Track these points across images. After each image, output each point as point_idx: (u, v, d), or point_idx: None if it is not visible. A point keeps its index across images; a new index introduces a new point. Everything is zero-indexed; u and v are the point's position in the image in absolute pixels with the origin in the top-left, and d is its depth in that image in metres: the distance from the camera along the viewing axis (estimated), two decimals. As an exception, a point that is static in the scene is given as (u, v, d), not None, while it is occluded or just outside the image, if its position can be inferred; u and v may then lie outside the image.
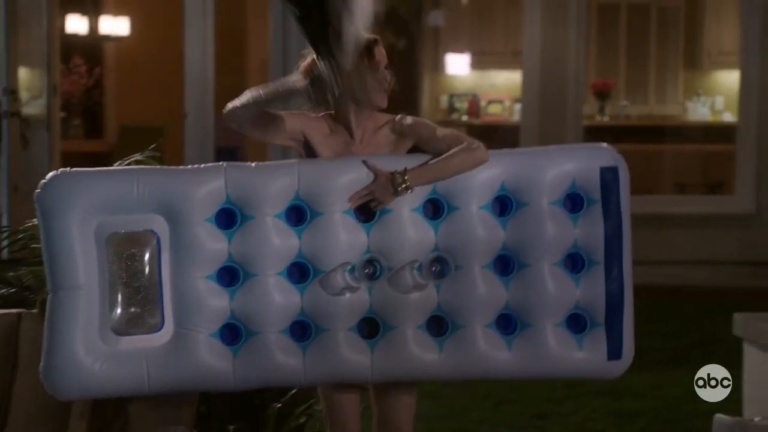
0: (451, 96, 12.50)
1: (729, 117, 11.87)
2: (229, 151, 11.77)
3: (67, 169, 3.55)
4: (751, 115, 10.81)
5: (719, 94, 12.22)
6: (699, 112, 12.23)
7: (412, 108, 11.35)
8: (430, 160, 3.59)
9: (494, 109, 12.30)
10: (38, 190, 3.51)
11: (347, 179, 3.58)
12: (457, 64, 12.62)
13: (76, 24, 12.30)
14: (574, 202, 3.74)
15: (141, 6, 13.38)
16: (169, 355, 3.52)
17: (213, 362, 3.53)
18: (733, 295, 9.14)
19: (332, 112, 3.64)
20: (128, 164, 4.63)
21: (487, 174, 3.65)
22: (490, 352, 3.65)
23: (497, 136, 11.77)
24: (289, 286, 3.57)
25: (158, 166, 3.74)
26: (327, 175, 3.59)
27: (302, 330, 3.58)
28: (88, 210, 3.49)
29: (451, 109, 12.50)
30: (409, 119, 3.68)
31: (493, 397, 6.23)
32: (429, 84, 12.63)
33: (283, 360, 3.55)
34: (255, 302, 3.54)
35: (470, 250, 3.63)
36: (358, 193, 3.57)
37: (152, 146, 4.84)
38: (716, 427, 4.96)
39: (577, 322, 3.75)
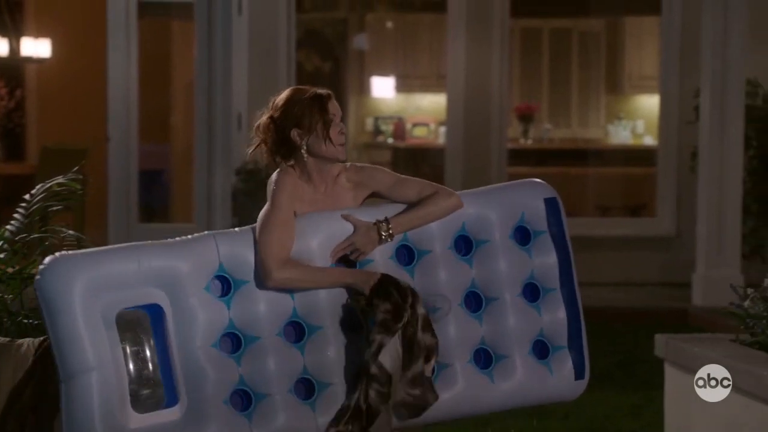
0: (377, 119, 12.55)
1: (650, 140, 12.04)
2: (152, 174, 11.70)
3: (65, 252, 3.60)
4: (671, 139, 10.98)
5: (640, 117, 12.40)
6: (620, 135, 12.39)
7: (338, 131, 11.37)
8: (407, 208, 3.76)
9: (419, 131, 12.37)
10: (38, 277, 3.52)
11: (323, 234, 3.70)
12: (383, 87, 12.68)
13: (-4, 45, 12.17)
14: (522, 235, 3.93)
15: (63, 28, 13.26)
16: (186, 428, 3.54)
17: (228, 430, 3.57)
18: (654, 316, 9.25)
19: (292, 166, 3.76)
20: (50, 187, 4.59)
21: (449, 216, 3.82)
22: (474, 388, 3.80)
23: (423, 158, 11.84)
24: (288, 346, 3.65)
25: (150, 242, 3.67)
26: (306, 231, 3.70)
27: (307, 388, 3.67)
28: (90, 291, 3.49)
29: (377, 131, 12.55)
30: (361, 166, 3.84)
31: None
32: (355, 106, 12.67)
33: (295, 419, 3.62)
34: (259, 365, 3.61)
35: (443, 290, 3.78)
36: (339, 246, 3.70)
37: (75, 169, 4.80)
38: (639, 447, 5.02)
39: (543, 349, 3.92)
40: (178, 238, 3.65)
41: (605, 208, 11.86)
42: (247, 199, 10.21)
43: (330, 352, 3.68)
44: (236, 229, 3.71)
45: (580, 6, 12.13)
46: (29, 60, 12.53)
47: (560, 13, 12.37)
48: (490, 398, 3.84)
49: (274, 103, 3.82)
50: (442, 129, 11.75)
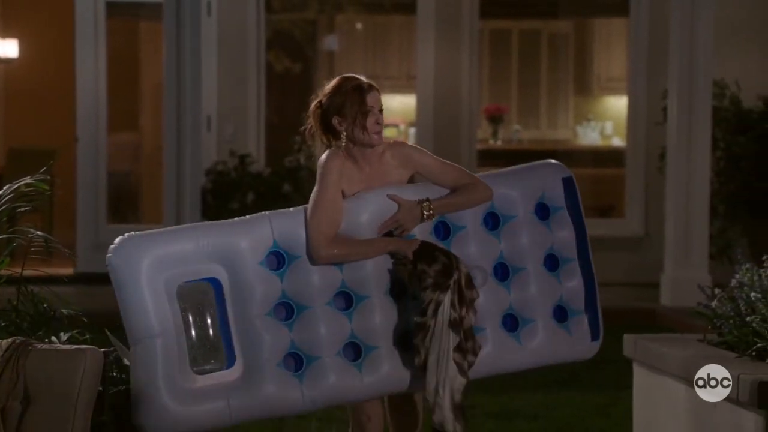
0: (346, 120, 12.54)
1: (618, 142, 12.09)
2: (121, 174, 11.66)
3: (133, 233, 3.97)
4: (639, 140, 11.03)
5: (609, 119, 12.44)
6: (589, 136, 12.43)
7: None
8: (448, 193, 4.13)
9: (389, 132, 12.37)
10: (109, 254, 3.93)
11: (370, 211, 4.08)
12: (352, 89, 12.66)
13: (-37, 46, 12.10)
14: (543, 211, 4.32)
15: (31, 28, 13.20)
16: (244, 387, 3.92)
17: (283, 391, 3.96)
18: (622, 317, 9.27)
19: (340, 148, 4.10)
20: (18, 188, 4.56)
21: None
22: (503, 350, 4.17)
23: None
24: (337, 313, 4.03)
25: (210, 222, 4.09)
26: (355, 210, 4.07)
27: (354, 351, 4.05)
28: (155, 267, 3.88)
29: (346, 133, 12.53)
30: (402, 145, 4.20)
31: (386, 421, 6.23)
32: (324, 108, 12.64)
33: (343, 379, 4.00)
34: (310, 331, 3.98)
35: (476, 262, 4.15)
36: (385, 223, 4.06)
37: (43, 170, 4.77)
38: (607, 447, 5.04)
39: (562, 313, 4.31)
40: (236, 219, 4.04)
41: (574, 208, 11.87)
42: (216, 200, 10.20)
43: (376, 319, 4.04)
44: (290, 209, 4.06)
45: (548, 8, 12.16)
46: (-4, 60, 12.47)
47: (529, 14, 12.40)
48: (518, 358, 4.22)
49: (323, 89, 4.15)
50: (412, 130, 11.76)
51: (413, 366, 4.04)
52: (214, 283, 3.97)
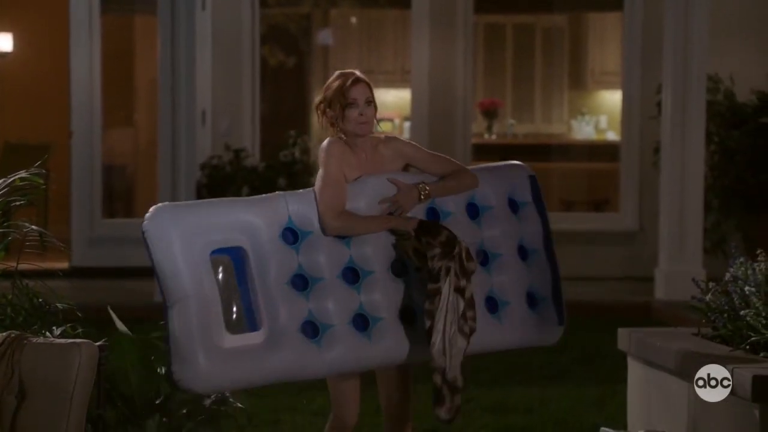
0: (341, 114, 12.53)
1: (613, 136, 12.10)
2: (116, 168, 11.65)
3: (167, 203, 4.31)
4: (633, 134, 11.05)
5: (603, 113, 12.45)
6: (584, 130, 12.44)
7: (302, 126, 11.37)
8: (438, 179, 4.45)
9: (384, 127, 12.34)
10: (144, 222, 4.17)
11: (374, 194, 4.39)
12: (347, 83, 12.66)
13: (-42, 40, 12.09)
14: (512, 205, 4.65)
15: (25, 23, 13.18)
16: (268, 351, 4.17)
17: (305, 354, 4.21)
18: (617, 311, 9.31)
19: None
20: (12, 182, 4.57)
21: None
22: (485, 330, 4.42)
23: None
24: (346, 286, 4.31)
25: (235, 198, 4.42)
26: (356, 194, 4.38)
27: (363, 322, 4.31)
28: (186, 234, 4.16)
29: (341, 127, 12.52)
30: (392, 139, 4.51)
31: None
32: (318, 102, 12.64)
33: (357, 346, 4.27)
34: (323, 301, 4.27)
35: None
36: (384, 203, 4.38)
37: (37, 164, 4.77)
38: (602, 440, 5.05)
39: (533, 299, 4.61)
40: (256, 196, 4.40)
41: (569, 203, 11.91)
42: (211, 194, 10.19)
43: (380, 292, 4.33)
44: (301, 190, 4.39)
45: (543, 2, 12.17)
46: (-9, 54, 12.45)
47: (523, 9, 12.41)
48: (498, 338, 4.51)
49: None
50: (407, 124, 11.76)
51: (413, 337, 4.33)
52: (241, 251, 4.24)
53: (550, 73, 12.52)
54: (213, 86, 10.97)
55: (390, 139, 4.50)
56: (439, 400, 4.33)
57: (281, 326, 4.20)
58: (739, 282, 4.77)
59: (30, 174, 4.60)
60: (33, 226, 4.70)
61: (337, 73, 4.48)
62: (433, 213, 4.49)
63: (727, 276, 4.87)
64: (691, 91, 9.34)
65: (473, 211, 4.58)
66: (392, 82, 12.55)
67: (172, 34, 9.74)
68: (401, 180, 4.41)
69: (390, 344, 4.33)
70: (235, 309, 4.20)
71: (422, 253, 4.29)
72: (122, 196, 11.84)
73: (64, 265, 9.80)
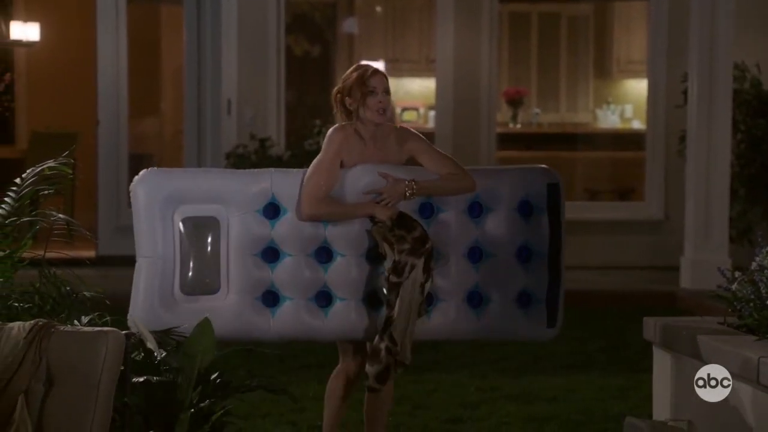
0: (366, 103, 12.54)
1: (638, 124, 12.06)
2: (142, 158, 11.70)
3: (156, 168, 4.69)
4: (659, 123, 11.01)
5: (628, 102, 12.41)
6: (609, 119, 12.41)
7: (327, 115, 11.38)
8: (433, 177, 4.67)
9: (409, 116, 12.38)
10: (133, 183, 4.63)
11: (363, 183, 4.65)
12: (372, 72, 12.66)
13: (-15, 29, 12.14)
14: (525, 208, 4.83)
15: (52, 12, 13.23)
16: (224, 311, 4.58)
17: (257, 320, 4.61)
18: (641, 300, 9.29)
19: (350, 124, 4.72)
20: (40, 171, 4.60)
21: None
22: (462, 320, 4.77)
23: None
24: (315, 264, 4.65)
25: (223, 169, 4.91)
26: (350, 181, 4.66)
27: (325, 299, 4.67)
28: (169, 199, 4.58)
29: (366, 116, 12.52)
30: (406, 130, 4.79)
31: (407, 403, 6.27)
32: (343, 91, 12.64)
33: (309, 321, 4.64)
34: (289, 276, 4.63)
35: (450, 242, 4.74)
36: (371, 193, 4.63)
37: (65, 153, 4.80)
38: (627, 430, 5.05)
39: (525, 299, 4.83)
40: (246, 170, 4.76)
41: (594, 192, 11.89)
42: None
43: (350, 275, 4.65)
44: (293, 169, 4.72)
45: (568, -10, 12.15)
46: (18, 44, 12.50)
47: (549, -3, 12.39)
48: (474, 329, 4.81)
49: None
50: (432, 113, 11.76)
51: (373, 319, 4.67)
52: (216, 220, 4.62)
53: (576, 61, 12.50)
54: (238, 75, 11.00)
55: (403, 131, 4.77)
56: (383, 378, 4.63)
57: (243, 292, 4.60)
58: (766, 271, 4.75)
59: (57, 163, 4.63)
60: (60, 215, 4.73)
61: (355, 66, 4.76)
62: (429, 208, 4.71)
63: (753, 265, 4.85)
64: (718, 79, 9.30)
65: (476, 209, 4.79)
66: (417, 71, 12.55)
67: (197, 23, 9.78)
68: (392, 174, 4.63)
69: (346, 324, 4.66)
70: (197, 273, 4.60)
71: (390, 243, 4.56)
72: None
73: (90, 253, 9.86)
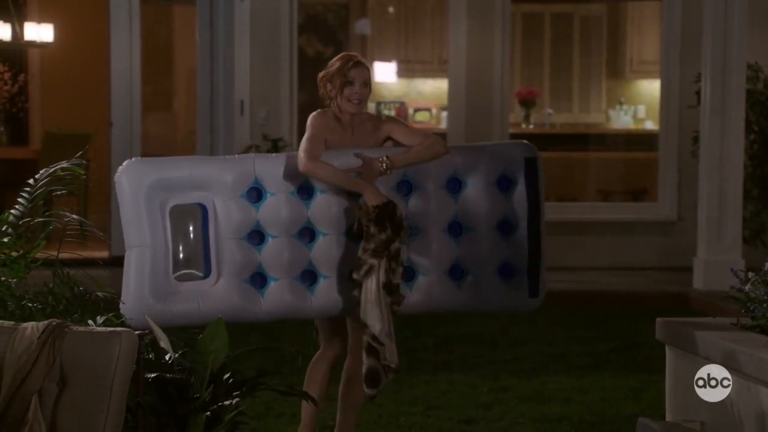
0: (379, 103, 12.55)
1: (651, 125, 12.04)
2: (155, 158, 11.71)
3: (139, 157, 4.79)
4: (672, 124, 10.99)
5: (641, 102, 12.39)
6: (621, 120, 12.39)
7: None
8: (407, 149, 4.87)
9: (421, 116, 12.38)
10: (117, 174, 4.69)
11: (339, 164, 4.76)
12: (385, 72, 12.68)
13: (-1, 30, 12.17)
14: (504, 183, 4.97)
15: (66, 13, 13.27)
16: (214, 295, 4.68)
17: (247, 301, 4.72)
18: (655, 301, 9.28)
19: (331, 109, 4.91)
20: (54, 172, 4.61)
21: (444, 162, 4.91)
22: (445, 294, 4.91)
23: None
24: (300, 244, 4.77)
25: (204, 156, 4.91)
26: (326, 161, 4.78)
27: (310, 277, 4.81)
28: (154, 187, 4.64)
29: (378, 116, 12.54)
30: (380, 116, 5.11)
31: (420, 403, 6.28)
32: (356, 92, 12.63)
33: (296, 300, 4.77)
34: (275, 257, 4.74)
35: (430, 217, 4.90)
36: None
37: (78, 154, 4.82)
38: (640, 431, 5.05)
39: (506, 271, 4.99)
40: (227, 156, 4.87)
41: (606, 192, 11.87)
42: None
43: (332, 253, 4.79)
44: (273, 154, 5.01)
45: (581, -9, 12.14)
46: (32, 45, 12.54)
47: (562, -3, 12.38)
48: (454, 302, 4.95)
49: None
50: (444, 114, 11.76)
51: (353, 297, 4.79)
52: (202, 207, 4.71)
53: (588, 62, 12.48)
54: (251, 76, 11.01)
55: (378, 116, 5.10)
56: (375, 383, 4.72)
57: (231, 275, 4.70)
58: (778, 272, 4.75)
59: (71, 164, 4.64)
60: (73, 216, 4.75)
61: (342, 54, 4.96)
62: (406, 185, 4.88)
63: (767, 266, 4.85)
64: (731, 80, 9.28)
65: (454, 185, 4.94)
66: (430, 72, 12.55)
67: (210, 23, 9.80)
68: (366, 154, 4.81)
69: (331, 300, 4.79)
70: (186, 259, 4.70)
71: (363, 229, 4.71)
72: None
73: (104, 254, 9.86)
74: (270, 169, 4.78)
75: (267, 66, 11.01)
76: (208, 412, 4.29)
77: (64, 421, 3.76)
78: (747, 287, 4.88)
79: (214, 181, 4.72)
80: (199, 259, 4.71)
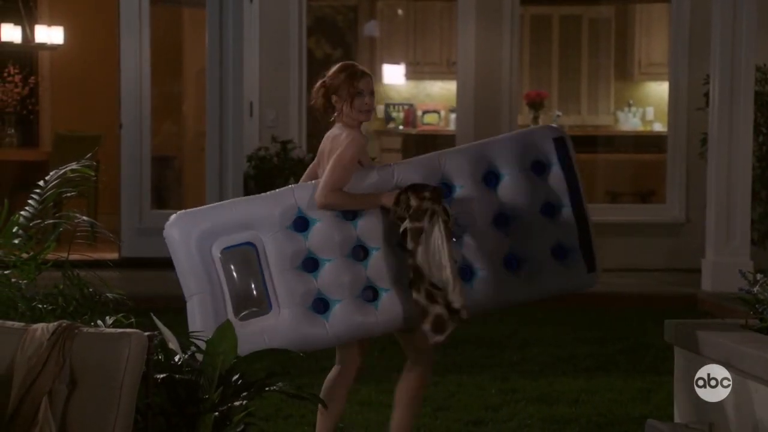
0: (388, 105, 12.57)
1: (659, 127, 12.04)
2: (164, 160, 11.75)
3: (186, 210, 4.87)
4: (680, 125, 10.99)
5: (649, 104, 12.40)
6: (630, 122, 12.39)
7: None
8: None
9: (430, 118, 12.39)
10: (166, 228, 4.81)
11: (368, 183, 4.86)
12: (393, 74, 12.70)
13: (10, 32, 12.21)
14: (539, 167, 5.03)
15: (76, 15, 13.30)
16: (279, 328, 4.75)
17: (313, 328, 4.78)
18: (663, 302, 9.28)
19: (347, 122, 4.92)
20: (64, 173, 4.63)
21: (477, 157, 4.98)
22: (505, 286, 4.91)
23: (433, 145, 11.87)
24: (354, 263, 4.82)
25: (246, 197, 4.94)
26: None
27: (372, 293, 4.85)
28: (204, 236, 4.77)
29: (388, 118, 12.58)
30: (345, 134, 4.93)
31: (429, 404, 6.29)
32: (365, 94, 12.64)
33: (362, 318, 4.81)
34: (333, 279, 4.80)
35: (474, 214, 4.93)
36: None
37: (88, 155, 4.83)
38: (647, 432, 5.05)
39: (560, 252, 5.00)
40: (268, 193, 4.90)
41: (615, 194, 11.87)
42: (258, 185, 10.26)
43: (388, 265, 4.82)
44: (311, 182, 4.88)
45: (590, -7, 12.14)
46: (43, 47, 12.58)
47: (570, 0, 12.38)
48: (519, 292, 4.96)
49: (328, 72, 4.92)
50: (453, 116, 11.77)
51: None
52: (252, 246, 4.80)
53: (597, 64, 12.48)
54: (260, 78, 11.03)
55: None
56: (439, 329, 4.70)
57: (292, 305, 4.76)
58: (787, 274, 4.75)
59: (81, 165, 4.66)
60: (83, 217, 4.76)
61: (340, 64, 4.93)
62: (444, 188, 4.90)
63: (774, 267, 4.85)
64: (740, 82, 9.28)
65: (492, 178, 4.99)
66: (438, 74, 12.56)
67: (220, 25, 9.82)
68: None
69: (395, 313, 4.81)
70: (249, 297, 4.78)
71: (404, 218, 4.69)
72: (171, 187, 11.94)
73: (113, 255, 9.90)
74: (310, 196, 4.85)
75: (276, 68, 11.03)
76: (217, 413, 4.30)
77: (74, 422, 3.77)
78: (755, 289, 4.89)
79: (260, 218, 4.82)
80: (259, 296, 4.81)
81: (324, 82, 4.91)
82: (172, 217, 4.85)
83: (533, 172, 5.03)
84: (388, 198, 4.78)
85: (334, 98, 4.89)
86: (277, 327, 4.76)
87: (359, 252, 4.85)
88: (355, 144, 4.81)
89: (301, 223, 4.84)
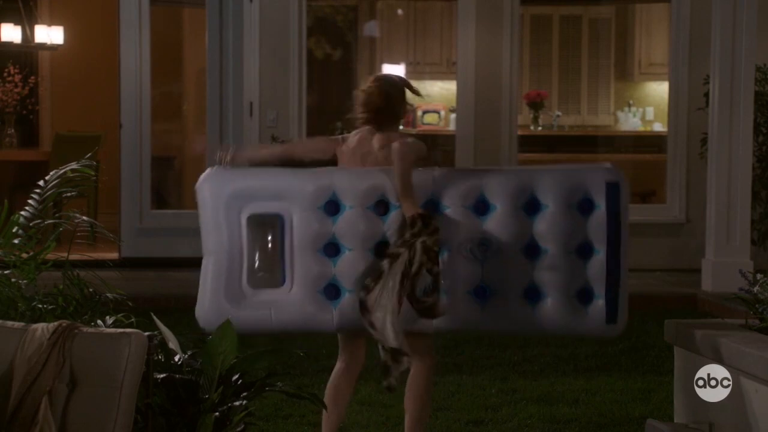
0: (387, 105, 12.55)
1: (659, 127, 12.04)
2: (165, 160, 11.74)
3: (218, 166, 4.85)
4: (681, 126, 10.99)
5: (649, 104, 12.39)
6: (630, 122, 12.39)
7: (348, 118, 11.40)
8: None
9: (430, 118, 12.39)
10: (199, 181, 4.84)
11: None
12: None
13: (10, 32, 12.20)
14: (585, 205, 4.94)
15: (76, 15, 13.30)
16: (287, 304, 4.79)
17: (319, 312, 4.80)
18: (662, 302, 9.28)
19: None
20: (64, 173, 4.63)
21: (522, 183, 4.93)
22: (520, 315, 4.89)
23: (433, 145, 11.88)
24: (376, 258, 4.78)
25: (285, 168, 4.95)
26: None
27: None
28: (234, 197, 4.80)
29: (387, 118, 12.54)
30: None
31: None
32: (365, 94, 12.64)
33: None
34: (350, 269, 4.80)
35: (506, 238, 4.89)
36: None
37: (88, 155, 4.84)
38: (647, 432, 5.05)
39: (584, 295, 4.91)
40: (307, 169, 4.89)
41: (615, 194, 11.84)
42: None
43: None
44: (352, 169, 4.89)
45: (590, -7, 12.14)
46: (43, 47, 12.57)
47: (570, -1, 12.39)
48: (528, 324, 4.95)
49: (383, 79, 5.14)
50: (453, 116, 11.76)
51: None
52: (279, 217, 4.81)
53: (597, 64, 12.49)
54: (260, 78, 11.03)
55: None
56: (385, 373, 4.72)
57: (306, 285, 4.80)
58: (787, 274, 4.75)
59: (81, 165, 4.66)
60: (83, 217, 4.77)
61: (396, 76, 5.24)
62: (484, 205, 4.89)
63: (774, 267, 4.85)
64: (740, 82, 9.28)
65: (533, 207, 4.92)
66: (438, 74, 12.56)
67: (220, 25, 9.82)
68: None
69: (406, 312, 4.74)
70: (261, 267, 4.82)
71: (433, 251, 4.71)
72: (171, 187, 11.94)
73: (113, 255, 9.90)
74: (349, 183, 4.87)
75: (276, 68, 11.03)
76: (217, 413, 4.30)
77: (74, 422, 3.78)
78: (755, 289, 4.89)
79: (294, 192, 4.84)
80: (275, 268, 4.83)
81: (387, 91, 5.08)
82: (208, 170, 4.90)
83: (578, 209, 4.96)
84: (409, 209, 4.80)
85: (401, 109, 5.13)
86: (284, 303, 4.80)
87: (382, 248, 4.84)
88: (412, 154, 4.91)
89: (333, 207, 4.85)
